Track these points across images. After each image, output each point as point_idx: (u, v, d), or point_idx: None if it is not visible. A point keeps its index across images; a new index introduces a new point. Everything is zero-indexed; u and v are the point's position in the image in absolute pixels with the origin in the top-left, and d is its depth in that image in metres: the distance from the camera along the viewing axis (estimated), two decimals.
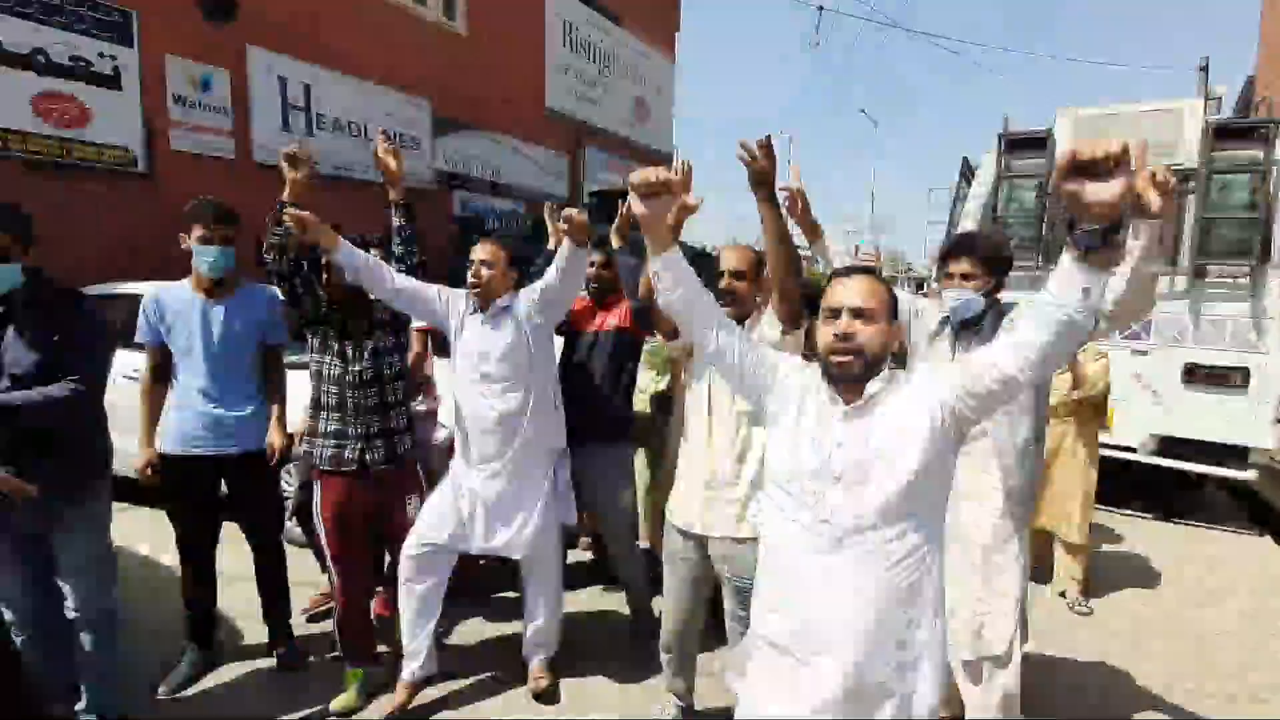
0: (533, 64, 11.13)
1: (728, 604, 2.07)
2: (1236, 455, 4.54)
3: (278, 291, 2.56)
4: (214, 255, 2.51)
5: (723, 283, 2.06)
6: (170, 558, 3.00)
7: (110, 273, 5.01)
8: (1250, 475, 4.49)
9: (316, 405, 2.49)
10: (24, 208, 2.07)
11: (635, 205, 1.45)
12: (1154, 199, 1.59)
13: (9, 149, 5.48)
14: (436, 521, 2.46)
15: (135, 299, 2.37)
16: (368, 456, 2.44)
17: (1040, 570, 3.59)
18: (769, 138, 1.70)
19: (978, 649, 2.08)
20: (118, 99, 6.09)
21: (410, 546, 2.45)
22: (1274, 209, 4.38)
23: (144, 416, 2.61)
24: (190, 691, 2.61)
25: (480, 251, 2.45)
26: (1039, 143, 4.99)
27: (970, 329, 2.15)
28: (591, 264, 2.77)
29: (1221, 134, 4.54)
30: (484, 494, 2.44)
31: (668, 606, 2.21)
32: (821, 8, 21.98)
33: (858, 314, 1.36)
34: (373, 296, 2.42)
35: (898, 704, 1.34)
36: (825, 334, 1.39)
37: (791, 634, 1.39)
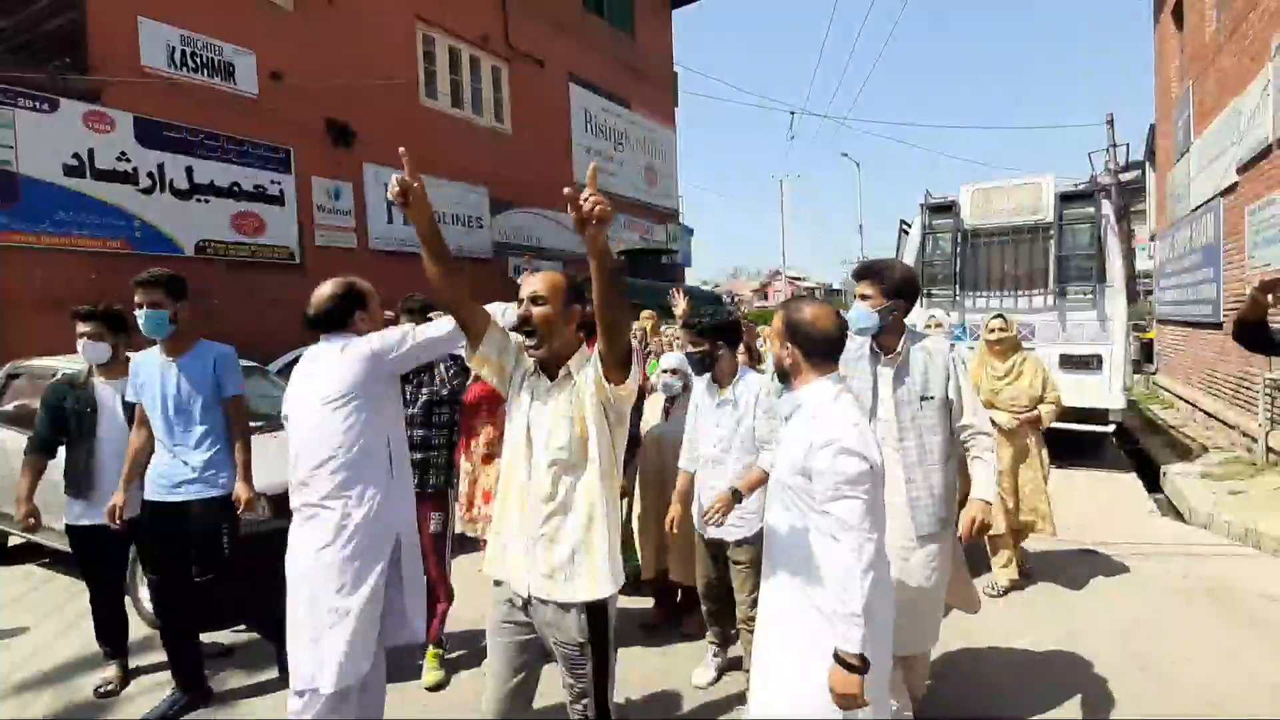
0: (562, 149, 13.48)
1: (563, 674, 1.78)
2: (1100, 416, 6.52)
3: (231, 349, 2.80)
4: (142, 317, 2.65)
5: (520, 309, 1.73)
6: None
7: (288, 341, 7.06)
8: (1110, 429, 6.47)
9: None
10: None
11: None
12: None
13: (217, 253, 7.71)
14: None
15: None
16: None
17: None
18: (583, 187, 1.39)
19: (902, 645, 2.12)
20: (282, 212, 8.34)
21: None
22: (1104, 247, 6.46)
23: (126, 465, 2.79)
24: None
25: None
26: (949, 208, 7.11)
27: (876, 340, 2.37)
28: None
29: (1067, 198, 6.67)
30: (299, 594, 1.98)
31: (489, 674, 1.86)
32: (793, 112, 26.27)
33: None
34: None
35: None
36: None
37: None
